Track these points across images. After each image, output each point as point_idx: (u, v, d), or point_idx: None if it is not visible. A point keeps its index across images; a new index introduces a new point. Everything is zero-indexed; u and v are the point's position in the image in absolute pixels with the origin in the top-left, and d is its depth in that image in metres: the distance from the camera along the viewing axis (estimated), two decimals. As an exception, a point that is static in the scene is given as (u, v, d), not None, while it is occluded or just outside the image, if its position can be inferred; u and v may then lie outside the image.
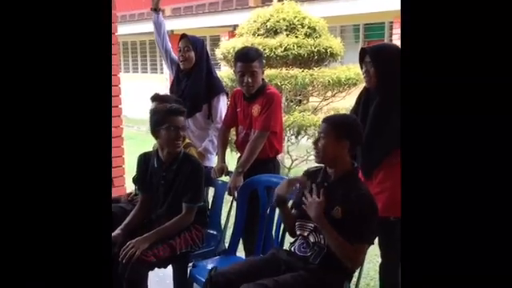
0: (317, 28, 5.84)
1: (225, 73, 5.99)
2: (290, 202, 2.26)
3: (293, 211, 2.22)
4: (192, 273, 2.42)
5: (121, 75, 3.71)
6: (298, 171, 4.46)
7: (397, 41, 7.43)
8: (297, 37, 5.67)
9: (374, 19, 8.83)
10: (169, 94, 3.24)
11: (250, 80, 2.73)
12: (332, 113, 5.36)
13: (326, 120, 2.08)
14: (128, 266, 2.19)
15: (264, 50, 5.36)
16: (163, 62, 3.74)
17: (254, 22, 6.02)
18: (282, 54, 5.58)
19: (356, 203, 1.94)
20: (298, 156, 5.83)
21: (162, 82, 11.76)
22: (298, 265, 2.02)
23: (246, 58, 2.74)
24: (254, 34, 5.88)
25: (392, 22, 8.46)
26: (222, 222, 2.85)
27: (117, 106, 3.56)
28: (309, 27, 5.78)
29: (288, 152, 5.76)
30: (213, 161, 3.16)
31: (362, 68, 2.31)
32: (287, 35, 5.70)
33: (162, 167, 2.52)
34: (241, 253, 2.83)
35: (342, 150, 2.02)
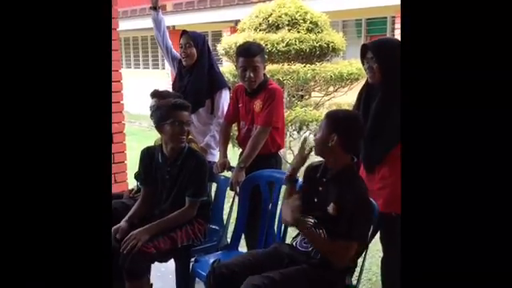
0: (319, 23, 5.84)
1: (227, 68, 5.99)
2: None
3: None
4: (194, 267, 2.43)
5: (122, 71, 3.69)
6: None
7: (399, 35, 7.40)
8: (299, 32, 5.67)
9: (376, 14, 8.80)
10: (170, 90, 3.24)
11: (251, 75, 2.72)
12: (334, 108, 5.37)
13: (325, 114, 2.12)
14: (128, 256, 2.21)
15: (266, 45, 5.36)
16: (164, 58, 3.72)
17: (256, 17, 6.02)
18: (283, 49, 5.57)
19: (349, 201, 1.94)
20: (300, 151, 5.83)
21: (163, 78, 11.76)
22: (300, 258, 2.03)
23: (248, 53, 2.74)
24: (255, 29, 5.88)
25: (394, 17, 8.44)
26: (224, 217, 2.85)
27: (118, 102, 3.54)
28: (311, 22, 5.78)
29: (290, 147, 5.76)
30: (216, 156, 3.16)
31: (363, 64, 2.30)
32: (289, 30, 5.70)
33: (166, 162, 2.52)
34: (243, 248, 2.84)
35: (333, 144, 1.99)
